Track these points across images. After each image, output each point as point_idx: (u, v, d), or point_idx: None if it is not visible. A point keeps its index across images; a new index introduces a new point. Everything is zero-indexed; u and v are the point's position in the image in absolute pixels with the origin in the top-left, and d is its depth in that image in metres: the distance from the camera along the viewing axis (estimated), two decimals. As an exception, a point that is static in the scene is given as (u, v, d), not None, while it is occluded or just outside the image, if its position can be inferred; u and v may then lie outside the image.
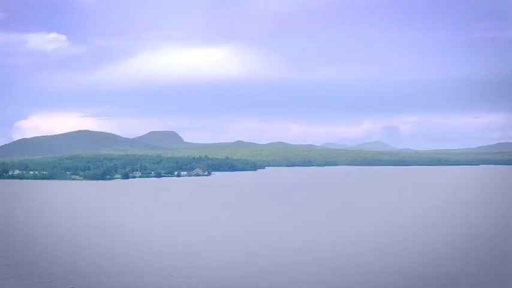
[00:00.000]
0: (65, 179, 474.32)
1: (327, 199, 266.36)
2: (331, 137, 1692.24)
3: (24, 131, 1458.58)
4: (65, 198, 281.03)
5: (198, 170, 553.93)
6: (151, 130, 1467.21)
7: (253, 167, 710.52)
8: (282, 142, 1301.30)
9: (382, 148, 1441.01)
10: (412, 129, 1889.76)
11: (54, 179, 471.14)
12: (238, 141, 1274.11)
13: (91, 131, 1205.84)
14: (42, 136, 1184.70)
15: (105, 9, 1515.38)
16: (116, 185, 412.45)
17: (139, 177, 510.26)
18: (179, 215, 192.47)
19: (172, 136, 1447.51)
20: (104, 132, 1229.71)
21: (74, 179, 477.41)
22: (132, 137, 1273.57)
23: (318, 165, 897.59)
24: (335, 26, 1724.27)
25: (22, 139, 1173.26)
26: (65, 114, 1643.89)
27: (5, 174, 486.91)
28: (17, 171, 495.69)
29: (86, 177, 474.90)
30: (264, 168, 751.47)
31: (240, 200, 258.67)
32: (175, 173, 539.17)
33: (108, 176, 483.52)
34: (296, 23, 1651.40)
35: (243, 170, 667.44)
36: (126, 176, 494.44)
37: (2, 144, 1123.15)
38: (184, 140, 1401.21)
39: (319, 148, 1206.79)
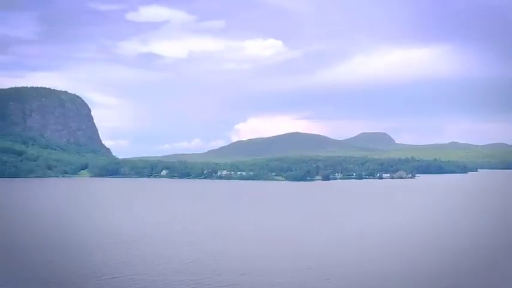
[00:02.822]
0: (269, 179, 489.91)
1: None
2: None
3: (242, 134, 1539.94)
4: (253, 196, 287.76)
5: (401, 172, 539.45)
6: (363, 132, 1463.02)
7: (464, 169, 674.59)
8: (502, 143, 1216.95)
9: None
10: None
11: (259, 179, 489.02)
12: (453, 142, 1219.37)
13: (302, 133, 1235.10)
14: (256, 138, 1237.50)
15: (320, 14, 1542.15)
16: (313, 186, 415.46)
17: (340, 179, 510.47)
18: (353, 218, 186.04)
19: (383, 138, 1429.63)
20: (314, 135, 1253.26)
21: (277, 179, 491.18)
22: (342, 139, 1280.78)
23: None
24: None
25: (238, 141, 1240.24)
26: (279, 117, 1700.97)
27: (213, 174, 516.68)
28: (225, 172, 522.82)
29: (287, 178, 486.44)
30: (476, 171, 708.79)
31: (423, 205, 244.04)
32: (377, 175, 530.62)
33: (308, 178, 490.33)
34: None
35: (452, 172, 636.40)
36: (326, 178, 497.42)
37: (221, 146, 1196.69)
38: (396, 142, 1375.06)
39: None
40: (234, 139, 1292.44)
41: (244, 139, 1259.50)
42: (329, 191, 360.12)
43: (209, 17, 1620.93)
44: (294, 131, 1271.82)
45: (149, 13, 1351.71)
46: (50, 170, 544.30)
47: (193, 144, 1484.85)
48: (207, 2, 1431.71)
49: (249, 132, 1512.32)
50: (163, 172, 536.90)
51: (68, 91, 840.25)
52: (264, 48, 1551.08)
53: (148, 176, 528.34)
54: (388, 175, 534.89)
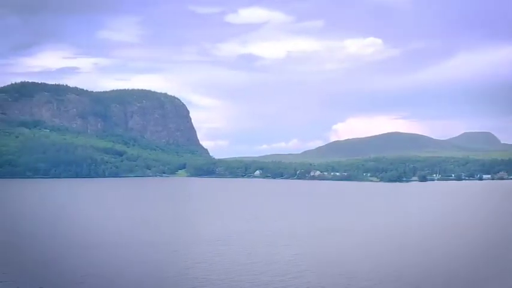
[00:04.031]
0: (363, 180, 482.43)
1: None
2: None
3: (340, 134, 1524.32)
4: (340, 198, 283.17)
5: (502, 173, 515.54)
6: (465, 131, 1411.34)
7: None
8: None
9: None
10: None
11: (352, 180, 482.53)
12: None
13: (401, 133, 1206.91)
14: (354, 138, 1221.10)
15: (420, 10, 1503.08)
16: (408, 187, 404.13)
17: (438, 179, 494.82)
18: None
19: (487, 137, 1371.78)
20: (414, 134, 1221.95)
21: (371, 180, 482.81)
22: (443, 139, 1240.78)
23: None
24: None
25: (335, 141, 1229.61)
26: (378, 117, 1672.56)
27: (306, 175, 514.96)
28: (318, 173, 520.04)
29: (382, 179, 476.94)
30: None
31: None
32: (477, 176, 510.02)
33: (404, 179, 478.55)
34: None
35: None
36: (423, 179, 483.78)
37: (318, 146, 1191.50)
38: (502, 142, 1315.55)
39: None
40: (333, 139, 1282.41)
41: (341, 139, 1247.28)
42: (423, 192, 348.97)
43: (307, 17, 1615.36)
44: (393, 130, 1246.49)
45: (248, 15, 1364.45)
46: (149, 169, 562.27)
47: (290, 145, 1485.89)
48: (306, 2, 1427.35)
49: (347, 132, 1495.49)
50: (257, 172, 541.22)
51: (168, 93, 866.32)
52: (363, 47, 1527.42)
53: (242, 176, 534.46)
54: (489, 176, 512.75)
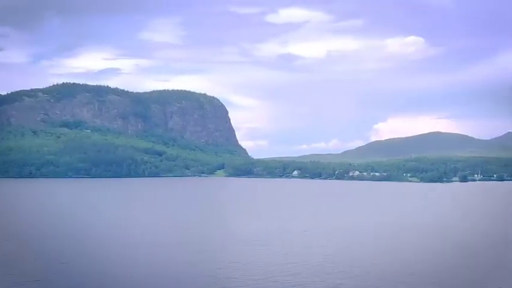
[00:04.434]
0: (403, 180, 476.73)
1: None
2: None
3: (381, 134, 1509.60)
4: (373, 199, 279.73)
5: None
6: (509, 131, 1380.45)
7: None
8: None
9: None
10: None
11: (392, 180, 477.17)
12: None
13: (443, 133, 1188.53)
14: (395, 138, 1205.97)
15: (463, 8, 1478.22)
16: (448, 188, 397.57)
17: (479, 180, 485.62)
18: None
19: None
20: (456, 134, 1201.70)
21: (411, 181, 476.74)
22: (487, 139, 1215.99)
23: None
24: None
25: (375, 141, 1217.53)
26: (420, 116, 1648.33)
27: (345, 175, 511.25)
28: (357, 173, 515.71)
29: (422, 180, 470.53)
30: None
31: None
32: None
33: (445, 179, 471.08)
34: None
35: None
36: (464, 179, 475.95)
37: (358, 146, 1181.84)
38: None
39: None
40: (373, 139, 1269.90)
41: (381, 139, 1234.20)
42: (462, 192, 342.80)
43: (348, 16, 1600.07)
44: (435, 130, 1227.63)
45: (288, 14, 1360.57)
46: (188, 169, 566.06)
47: (330, 145, 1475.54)
48: (346, 1, 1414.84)
49: (388, 132, 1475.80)
50: (295, 172, 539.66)
51: (207, 93, 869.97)
52: (404, 45, 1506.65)
53: (280, 176, 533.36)
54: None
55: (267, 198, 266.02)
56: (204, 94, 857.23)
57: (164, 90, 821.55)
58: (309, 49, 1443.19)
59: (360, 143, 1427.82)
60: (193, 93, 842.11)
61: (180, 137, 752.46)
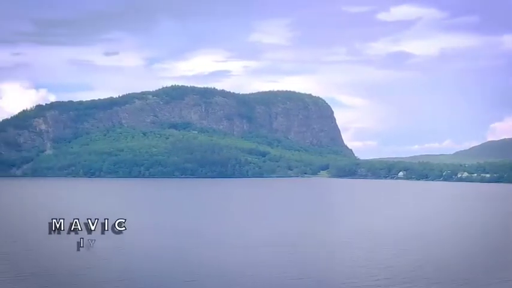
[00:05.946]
0: None
1: None
2: None
3: (497, 133, 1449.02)
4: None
5: None
6: None
7: None
8: None
9: None
10: None
11: (504, 182, 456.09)
12: None
13: None
14: (511, 138, 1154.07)
15: None
16: None
17: None
18: None
19: None
20: None
21: None
22: None
23: None
24: None
25: (490, 141, 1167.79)
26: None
27: (453, 176, 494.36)
28: (465, 174, 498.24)
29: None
30: None
31: None
32: None
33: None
34: None
35: None
36: None
37: (471, 146, 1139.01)
38: None
39: None
40: (489, 139, 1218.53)
41: (497, 139, 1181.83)
42: None
43: (462, 12, 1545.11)
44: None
45: (400, 12, 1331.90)
46: (291, 170, 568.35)
47: (444, 145, 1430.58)
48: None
49: (504, 132, 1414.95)
50: (401, 173, 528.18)
51: (312, 94, 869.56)
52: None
53: (385, 177, 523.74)
54: None
55: (364, 198, 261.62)
56: (309, 94, 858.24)
57: (269, 91, 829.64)
58: (422, 47, 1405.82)
59: (474, 143, 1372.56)
60: (298, 93, 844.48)
61: (284, 138, 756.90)
